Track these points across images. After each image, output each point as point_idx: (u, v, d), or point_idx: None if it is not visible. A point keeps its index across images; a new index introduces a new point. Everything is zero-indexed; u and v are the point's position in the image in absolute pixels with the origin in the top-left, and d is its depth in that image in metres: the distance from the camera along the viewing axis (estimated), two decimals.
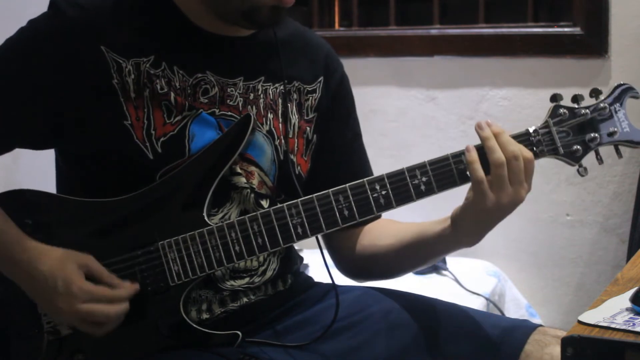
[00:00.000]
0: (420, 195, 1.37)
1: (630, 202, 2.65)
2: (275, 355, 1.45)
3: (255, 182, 1.46)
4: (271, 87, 1.49)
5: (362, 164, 1.61)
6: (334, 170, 1.56)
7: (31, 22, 1.41)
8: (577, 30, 2.68)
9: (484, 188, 1.33)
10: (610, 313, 1.16)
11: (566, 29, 2.72)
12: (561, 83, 2.70)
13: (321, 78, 1.56)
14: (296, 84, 1.53)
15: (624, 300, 1.20)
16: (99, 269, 1.35)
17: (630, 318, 1.14)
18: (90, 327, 1.34)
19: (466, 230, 1.39)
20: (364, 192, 1.37)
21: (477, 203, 1.35)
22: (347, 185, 1.37)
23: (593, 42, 2.65)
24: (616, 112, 1.37)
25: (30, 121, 1.40)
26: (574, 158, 1.38)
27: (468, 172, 1.35)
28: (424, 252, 1.49)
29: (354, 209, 1.37)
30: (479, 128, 1.35)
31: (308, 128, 1.54)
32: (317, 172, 1.55)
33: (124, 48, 1.38)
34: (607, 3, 2.63)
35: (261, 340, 1.47)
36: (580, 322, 1.14)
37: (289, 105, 1.51)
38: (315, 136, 1.55)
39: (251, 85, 1.47)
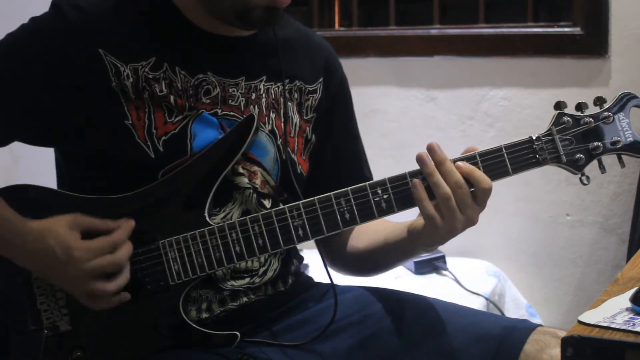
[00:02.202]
0: None
1: (630, 202, 2.65)
2: (274, 355, 1.45)
3: (258, 182, 1.46)
4: (273, 87, 1.50)
5: (359, 167, 1.61)
6: (331, 173, 1.56)
7: (33, 20, 1.41)
8: (577, 30, 2.68)
9: (435, 222, 1.34)
10: (610, 313, 1.16)
11: (566, 29, 2.72)
12: (561, 83, 2.71)
13: (321, 79, 1.56)
14: (297, 84, 1.53)
15: (624, 300, 1.19)
16: (89, 222, 1.35)
17: (630, 318, 1.14)
18: (106, 284, 1.32)
19: (423, 244, 1.41)
20: (365, 196, 1.36)
21: (431, 232, 1.36)
22: (349, 188, 1.37)
23: (593, 42, 2.65)
24: (620, 121, 1.36)
25: (28, 117, 1.40)
26: (576, 167, 1.37)
27: (418, 207, 1.35)
28: (387, 259, 1.54)
29: (355, 212, 1.36)
30: (421, 162, 1.34)
31: (307, 128, 1.54)
32: (317, 174, 1.55)
33: (123, 52, 1.38)
34: (607, 3, 2.63)
35: (260, 340, 1.47)
36: (580, 322, 1.14)
37: (289, 104, 1.51)
38: (313, 136, 1.55)
39: (253, 85, 1.47)
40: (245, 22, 1.40)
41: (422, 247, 1.43)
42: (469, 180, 1.33)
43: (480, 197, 1.34)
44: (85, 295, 1.34)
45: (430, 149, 1.34)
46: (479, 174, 1.34)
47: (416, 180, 1.34)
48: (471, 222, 1.35)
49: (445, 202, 1.32)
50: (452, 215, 1.33)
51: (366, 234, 1.55)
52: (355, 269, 1.61)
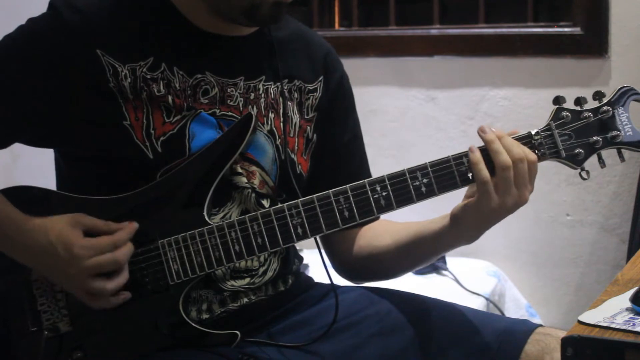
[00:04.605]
0: (421, 197, 1.36)
1: (630, 202, 2.65)
2: (274, 355, 1.45)
3: (256, 182, 1.45)
4: (272, 87, 1.49)
5: (359, 167, 1.61)
6: (331, 172, 1.56)
7: (30, 21, 1.41)
8: (577, 30, 2.68)
9: (489, 189, 1.33)
10: (610, 313, 1.16)
11: (566, 29, 2.72)
12: (561, 83, 2.71)
13: (321, 77, 1.56)
14: (297, 83, 1.52)
15: (624, 300, 1.20)
16: (92, 222, 1.35)
17: (630, 318, 1.14)
18: (105, 283, 1.32)
19: (466, 228, 1.39)
20: (364, 193, 1.36)
21: (481, 204, 1.34)
22: (348, 186, 1.37)
23: (593, 42, 2.66)
24: (619, 115, 1.36)
25: (26, 119, 1.40)
26: (575, 161, 1.37)
27: (471, 174, 1.34)
28: (421, 252, 1.49)
29: (354, 210, 1.36)
30: (481, 132, 1.35)
31: (308, 127, 1.54)
32: (316, 173, 1.55)
33: (120, 52, 1.38)
34: (607, 3, 2.63)
35: (260, 340, 1.47)
36: (580, 322, 1.14)
37: (289, 104, 1.51)
38: (315, 135, 1.55)
39: (252, 85, 1.47)
40: (252, 19, 1.39)
41: (465, 232, 1.40)
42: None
43: (531, 173, 1.34)
44: (85, 293, 1.34)
45: (489, 128, 1.35)
46: (531, 153, 1.34)
47: (473, 145, 1.35)
48: (523, 199, 1.34)
49: (504, 171, 1.32)
50: (506, 188, 1.32)
51: (391, 233, 1.52)
52: (374, 272, 1.58)
